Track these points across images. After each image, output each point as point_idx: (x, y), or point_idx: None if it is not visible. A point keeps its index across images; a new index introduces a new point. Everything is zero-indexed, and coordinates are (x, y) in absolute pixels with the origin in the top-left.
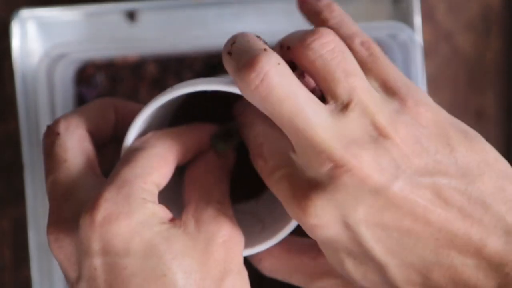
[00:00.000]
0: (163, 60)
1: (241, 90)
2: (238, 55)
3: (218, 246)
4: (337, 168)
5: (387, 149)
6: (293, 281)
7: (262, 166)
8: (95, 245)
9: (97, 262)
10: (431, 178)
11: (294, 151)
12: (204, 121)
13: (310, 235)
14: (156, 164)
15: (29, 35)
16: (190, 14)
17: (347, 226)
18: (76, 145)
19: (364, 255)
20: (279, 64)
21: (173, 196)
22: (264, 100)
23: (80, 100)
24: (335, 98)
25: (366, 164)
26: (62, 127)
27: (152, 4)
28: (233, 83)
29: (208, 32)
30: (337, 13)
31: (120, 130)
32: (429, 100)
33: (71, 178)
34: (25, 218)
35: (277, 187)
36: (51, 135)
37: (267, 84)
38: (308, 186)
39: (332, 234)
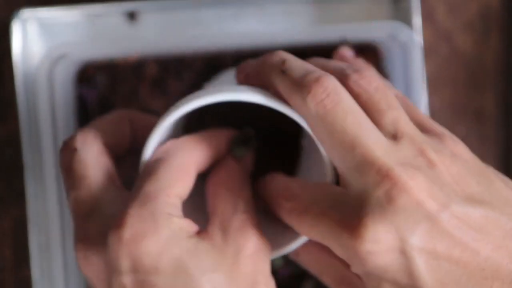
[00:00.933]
0: (163, 60)
1: (300, 105)
2: (297, 73)
3: (246, 258)
4: (395, 188)
5: (436, 177)
6: (323, 280)
7: (293, 207)
8: (124, 263)
9: (127, 280)
10: (478, 207)
11: (333, 182)
12: (218, 125)
13: (357, 267)
14: (178, 176)
15: (30, 35)
16: (190, 14)
17: (403, 253)
18: (95, 160)
19: (410, 287)
20: (342, 85)
21: (195, 203)
22: (328, 113)
23: (81, 100)
24: (381, 128)
25: (422, 186)
26: (79, 142)
27: (152, 4)
28: (255, 92)
29: (208, 32)
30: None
31: (136, 142)
32: (463, 143)
33: (94, 194)
34: (25, 218)
35: (317, 222)
36: (69, 150)
37: (334, 98)
38: (361, 210)
39: (385, 262)
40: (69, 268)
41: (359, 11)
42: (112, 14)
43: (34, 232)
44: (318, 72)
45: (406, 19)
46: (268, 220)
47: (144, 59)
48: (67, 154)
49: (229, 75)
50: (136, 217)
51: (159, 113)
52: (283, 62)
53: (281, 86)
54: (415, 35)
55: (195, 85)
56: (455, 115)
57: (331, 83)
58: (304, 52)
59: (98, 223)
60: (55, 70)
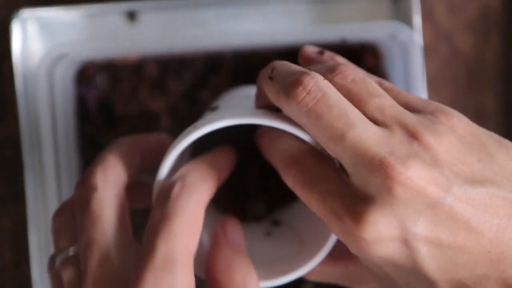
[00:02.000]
0: (163, 60)
1: (286, 108)
2: (282, 77)
3: None
4: (391, 179)
5: (434, 160)
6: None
7: (296, 177)
8: None
9: None
10: (480, 187)
11: (341, 168)
12: (223, 135)
13: (358, 254)
14: (193, 230)
15: (29, 35)
16: (190, 14)
17: (405, 242)
18: (113, 203)
19: (415, 274)
20: (324, 79)
21: None
22: (312, 110)
23: (81, 100)
24: (369, 117)
25: (419, 174)
26: (100, 180)
27: (152, 4)
28: (257, 114)
29: (208, 32)
30: (343, 62)
31: (143, 168)
32: (457, 112)
33: (106, 240)
34: (25, 218)
35: (320, 201)
36: (89, 188)
37: (315, 94)
38: (363, 199)
39: (386, 251)
40: None
41: (359, 11)
42: (112, 14)
43: (34, 232)
44: (299, 72)
45: (406, 19)
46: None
47: (144, 59)
48: (87, 191)
49: (238, 95)
50: (154, 286)
51: (159, 113)
52: (272, 69)
53: (270, 93)
54: (415, 35)
55: (195, 85)
56: None
57: (311, 80)
58: None
59: (107, 275)
60: (55, 70)
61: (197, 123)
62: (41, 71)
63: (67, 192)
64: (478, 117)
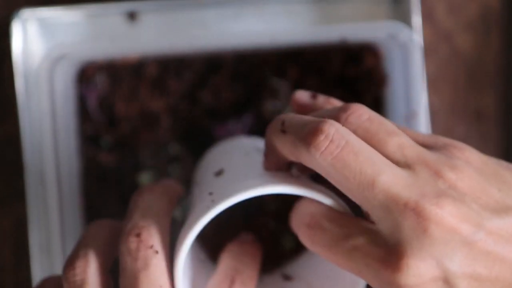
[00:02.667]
0: (163, 61)
1: (307, 159)
2: (296, 128)
3: None
4: (426, 220)
5: (461, 197)
6: None
7: (318, 237)
8: None
9: None
10: (506, 216)
11: (368, 218)
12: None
13: None
14: None
15: (30, 35)
16: (190, 14)
17: (446, 282)
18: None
19: None
20: (343, 126)
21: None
22: (338, 159)
23: (81, 100)
24: (390, 158)
25: (450, 212)
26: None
27: (152, 4)
28: (273, 182)
29: (208, 32)
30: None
31: None
32: (466, 145)
33: None
34: (25, 218)
35: (349, 259)
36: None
37: (339, 142)
38: (399, 247)
39: None
40: None
41: (359, 11)
42: (112, 14)
43: (34, 232)
44: (316, 121)
45: (406, 19)
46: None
47: (144, 59)
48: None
49: (239, 153)
50: None
51: (159, 113)
52: (282, 123)
53: (285, 147)
54: (415, 35)
55: (195, 85)
56: (455, 115)
57: (332, 127)
58: (304, 52)
59: None
60: (55, 70)
61: (214, 197)
62: (41, 71)
63: (67, 192)
64: (478, 117)
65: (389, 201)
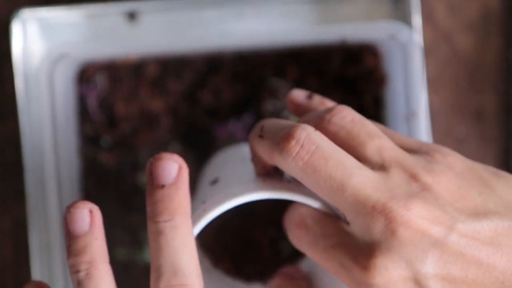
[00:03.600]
0: (163, 61)
1: (281, 164)
2: (272, 134)
3: None
4: (394, 222)
5: (434, 199)
6: None
7: (302, 235)
8: None
9: None
10: (485, 219)
11: (345, 222)
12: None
13: None
14: None
15: (30, 35)
16: (190, 14)
17: (417, 283)
18: None
19: None
20: (315, 130)
21: None
22: (308, 164)
23: (81, 100)
24: (367, 160)
25: (421, 214)
26: None
27: (152, 4)
28: (261, 187)
29: (208, 33)
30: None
31: None
32: (451, 150)
33: None
34: (25, 218)
35: (327, 257)
36: None
37: (309, 147)
38: (369, 248)
39: None
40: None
41: (359, 11)
42: (112, 14)
43: (34, 232)
44: (290, 126)
45: (406, 19)
46: None
47: (144, 59)
48: None
49: (233, 160)
50: None
51: (159, 113)
52: (261, 128)
53: (263, 152)
54: (415, 35)
55: (195, 85)
56: (455, 115)
57: (303, 132)
58: (304, 52)
59: None
60: (55, 70)
61: (206, 205)
62: (41, 71)
63: (67, 192)
64: (478, 117)
65: (358, 203)
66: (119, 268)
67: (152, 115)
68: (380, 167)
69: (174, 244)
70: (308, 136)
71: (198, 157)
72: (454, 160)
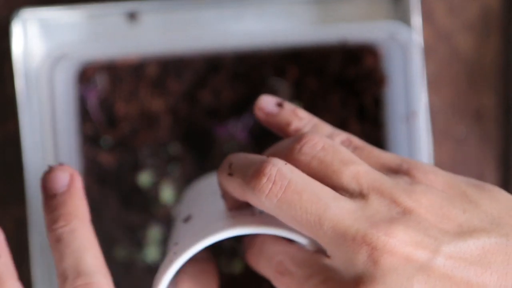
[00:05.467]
0: (163, 61)
1: (254, 202)
2: (241, 171)
3: None
4: (376, 251)
5: (417, 222)
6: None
7: (288, 282)
8: None
9: None
10: (470, 238)
11: (325, 255)
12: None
13: None
14: None
15: (30, 35)
16: (190, 15)
17: None
18: None
19: None
20: (286, 164)
21: None
22: (282, 200)
23: (81, 100)
24: (344, 188)
25: (404, 240)
26: None
27: (152, 4)
28: (235, 224)
29: (208, 32)
30: (306, 119)
31: None
32: (432, 167)
33: None
34: (25, 218)
35: None
36: None
37: (281, 183)
38: (354, 281)
39: None
40: None
41: (359, 11)
42: (112, 14)
43: (34, 232)
44: (258, 162)
45: (405, 19)
46: None
47: (144, 59)
48: None
49: (205, 193)
50: None
51: (159, 113)
52: (229, 165)
53: (234, 190)
54: (414, 35)
55: (195, 85)
56: (455, 115)
57: (273, 168)
58: (304, 52)
59: None
60: (55, 70)
61: (177, 249)
62: (41, 71)
63: None
64: (478, 117)
65: (338, 236)
66: (119, 268)
67: (152, 115)
68: (358, 194)
69: (74, 246)
70: (279, 171)
71: (198, 157)
72: (435, 178)
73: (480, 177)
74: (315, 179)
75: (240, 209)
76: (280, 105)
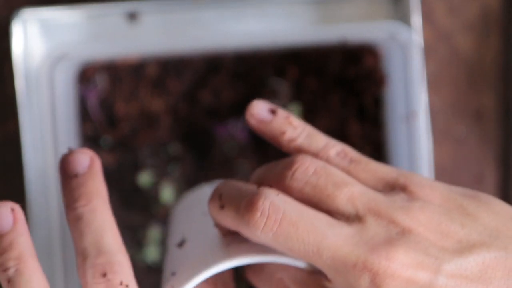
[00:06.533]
0: (163, 61)
1: (251, 236)
2: (233, 204)
3: None
4: (378, 276)
5: (416, 242)
6: None
7: None
8: None
9: None
10: (470, 255)
11: (325, 277)
12: None
13: None
14: None
15: (30, 35)
16: (190, 15)
17: None
18: None
19: None
20: (278, 194)
21: None
22: (277, 234)
23: (81, 100)
24: (340, 213)
25: (405, 262)
26: None
27: (152, 4)
28: (233, 253)
29: (208, 32)
30: (300, 128)
31: None
32: (428, 180)
33: None
34: (25, 218)
35: None
36: None
37: (276, 216)
38: None
39: None
40: (69, 268)
41: (359, 11)
42: (112, 14)
43: (34, 232)
44: (250, 194)
45: (405, 19)
46: None
47: (144, 59)
48: None
49: (197, 212)
50: None
51: (159, 113)
52: (219, 197)
53: (227, 222)
54: (414, 35)
55: (195, 85)
56: (455, 115)
57: (266, 201)
58: (304, 52)
59: None
60: (56, 70)
61: (175, 281)
62: (41, 71)
63: None
64: (478, 117)
65: (338, 264)
66: None
67: (152, 115)
68: (354, 217)
69: (95, 226)
70: (272, 204)
71: (198, 157)
72: (431, 192)
73: (480, 177)
74: (309, 205)
75: (233, 234)
76: (273, 111)
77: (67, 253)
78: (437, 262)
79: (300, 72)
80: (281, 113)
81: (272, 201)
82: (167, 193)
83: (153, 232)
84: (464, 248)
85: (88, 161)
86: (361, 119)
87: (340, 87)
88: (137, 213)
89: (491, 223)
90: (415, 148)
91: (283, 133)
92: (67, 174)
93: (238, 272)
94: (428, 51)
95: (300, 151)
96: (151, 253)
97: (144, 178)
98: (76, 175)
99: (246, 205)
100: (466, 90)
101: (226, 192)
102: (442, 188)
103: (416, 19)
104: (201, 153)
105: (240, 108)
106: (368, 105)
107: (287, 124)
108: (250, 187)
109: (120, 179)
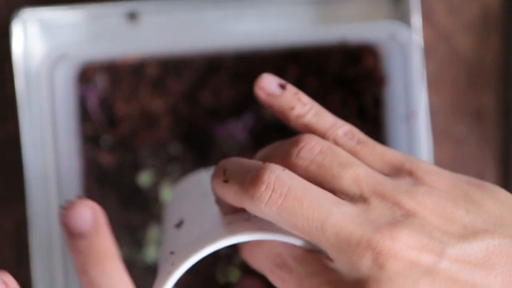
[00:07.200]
0: (163, 61)
1: (253, 210)
2: (237, 178)
3: None
4: (381, 255)
5: (421, 225)
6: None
7: (285, 276)
8: None
9: None
10: (475, 240)
11: (327, 258)
12: None
13: None
14: None
15: (30, 35)
16: (190, 15)
17: None
18: None
19: None
20: (284, 170)
21: None
22: (282, 208)
23: (81, 100)
24: (345, 192)
25: (409, 243)
26: None
27: (152, 4)
28: (231, 231)
29: (208, 32)
30: (309, 105)
31: None
32: (434, 167)
33: None
34: (25, 218)
35: None
36: None
37: (281, 190)
38: (358, 284)
39: None
40: (69, 268)
41: (359, 11)
42: (112, 14)
43: (34, 233)
44: (256, 167)
45: (405, 19)
46: None
47: (144, 59)
48: None
49: (196, 194)
50: None
51: (159, 113)
52: (224, 171)
53: (230, 197)
54: (414, 35)
55: (195, 85)
56: (455, 115)
57: (272, 175)
58: (304, 52)
59: None
60: (56, 70)
61: (174, 259)
62: (41, 71)
63: (68, 192)
64: (478, 117)
65: (341, 242)
66: None
67: (152, 115)
68: (359, 198)
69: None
70: (278, 178)
71: (198, 157)
72: (437, 179)
73: (480, 177)
74: (314, 183)
75: (234, 213)
76: (283, 86)
77: (67, 253)
78: (441, 245)
79: (300, 72)
80: (291, 88)
81: (278, 175)
82: (167, 193)
83: (153, 232)
84: (469, 234)
85: (91, 216)
86: (361, 119)
87: (340, 87)
88: (137, 213)
89: (496, 211)
90: (415, 148)
91: (291, 108)
92: (71, 233)
93: (231, 258)
94: (428, 51)
95: (307, 128)
96: (151, 253)
97: (144, 178)
98: (81, 235)
99: (251, 179)
100: (466, 90)
101: (231, 167)
102: (449, 176)
103: (416, 19)
104: (201, 153)
105: (240, 108)
106: (368, 105)
107: (296, 100)
108: (255, 162)
109: (120, 179)
